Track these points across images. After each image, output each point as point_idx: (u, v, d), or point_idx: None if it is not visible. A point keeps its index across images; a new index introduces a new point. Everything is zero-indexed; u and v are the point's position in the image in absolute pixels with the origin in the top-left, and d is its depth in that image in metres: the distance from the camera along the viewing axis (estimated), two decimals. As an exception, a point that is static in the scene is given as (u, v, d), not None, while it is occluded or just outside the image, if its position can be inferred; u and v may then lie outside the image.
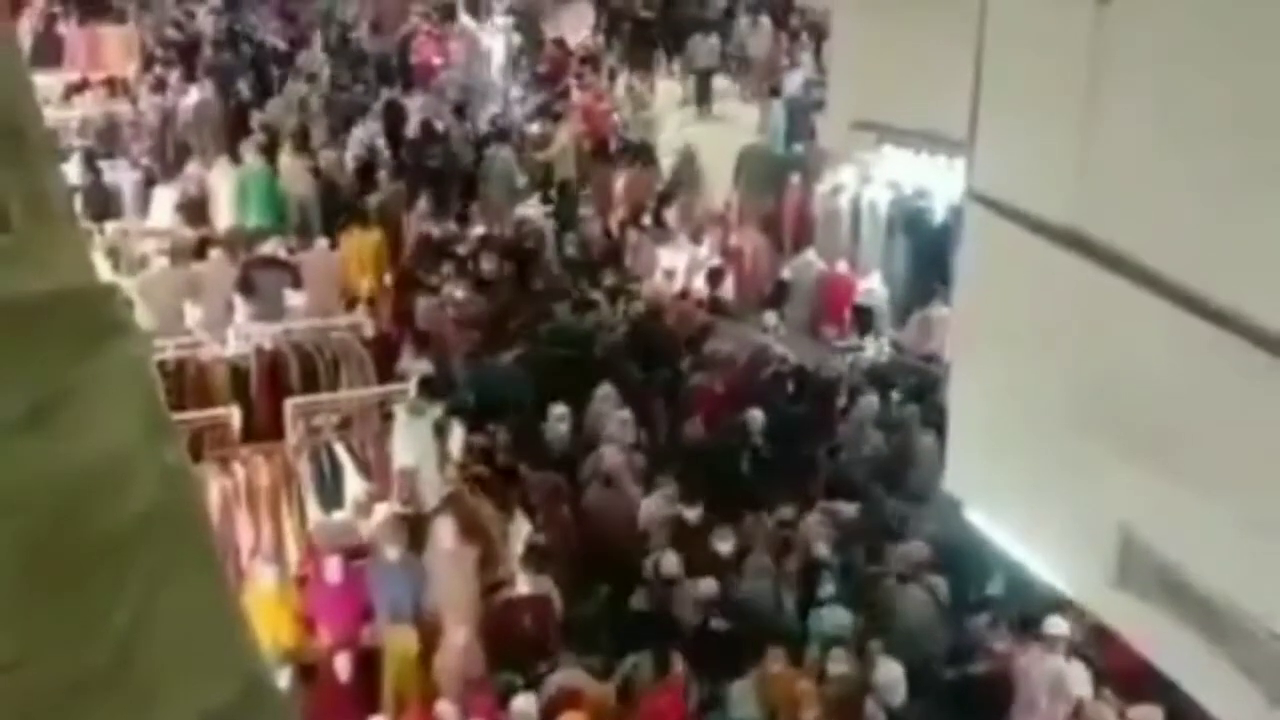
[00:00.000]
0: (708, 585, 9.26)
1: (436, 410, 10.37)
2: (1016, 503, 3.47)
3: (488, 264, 14.63)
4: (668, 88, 22.16)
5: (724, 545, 9.69)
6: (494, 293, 14.17)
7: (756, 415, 11.56)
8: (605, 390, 11.78)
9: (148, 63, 20.14)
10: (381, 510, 9.92)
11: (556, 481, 10.64)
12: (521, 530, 9.79)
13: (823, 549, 9.73)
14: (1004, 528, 3.61)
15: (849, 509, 10.57)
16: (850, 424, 11.87)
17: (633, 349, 13.02)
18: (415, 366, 11.89)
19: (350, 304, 13.39)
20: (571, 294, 14.32)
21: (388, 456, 10.31)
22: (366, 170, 17.21)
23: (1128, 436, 2.91)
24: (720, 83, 21.84)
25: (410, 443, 10.15)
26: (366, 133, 17.86)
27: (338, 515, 9.96)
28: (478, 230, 16.35)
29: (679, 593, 9.29)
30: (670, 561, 9.41)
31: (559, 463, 11.00)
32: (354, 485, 10.16)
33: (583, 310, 13.78)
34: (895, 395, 12.19)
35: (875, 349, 14.00)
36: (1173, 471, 2.74)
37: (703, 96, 21.43)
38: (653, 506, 10.31)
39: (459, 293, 13.78)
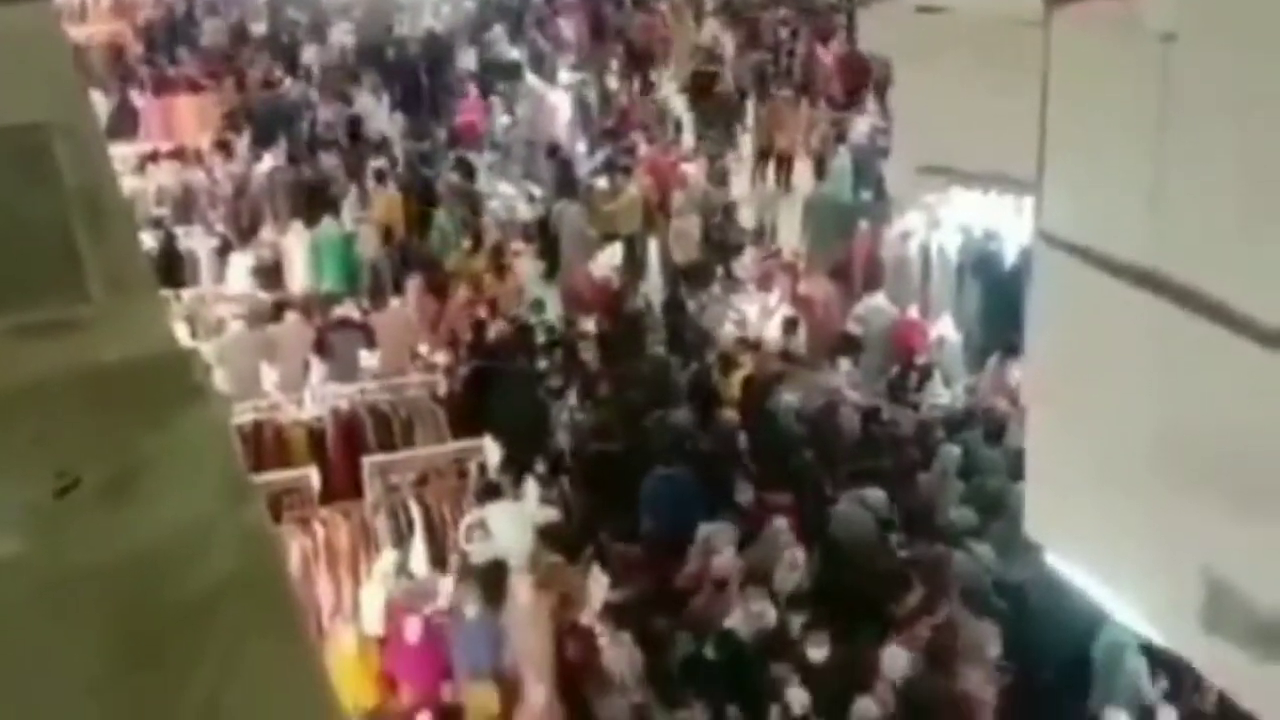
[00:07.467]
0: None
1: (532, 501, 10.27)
2: (1099, 547, 3.40)
3: (587, 353, 14.10)
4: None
5: (818, 653, 9.12)
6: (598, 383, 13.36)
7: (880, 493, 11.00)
8: (780, 525, 10.47)
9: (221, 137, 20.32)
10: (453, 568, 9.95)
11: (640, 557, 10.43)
12: (600, 583, 9.74)
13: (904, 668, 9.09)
14: (1087, 573, 3.54)
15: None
16: (932, 474, 11.59)
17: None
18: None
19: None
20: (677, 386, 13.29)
21: (463, 515, 10.35)
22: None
23: (1212, 478, 2.85)
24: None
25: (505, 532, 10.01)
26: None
27: (417, 573, 10.02)
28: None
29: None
30: (798, 698, 8.83)
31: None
32: (429, 544, 10.22)
33: (705, 410, 12.74)
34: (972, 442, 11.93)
35: (950, 395, 13.80)
36: (1260, 512, 2.68)
37: None
38: (742, 617, 9.53)
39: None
